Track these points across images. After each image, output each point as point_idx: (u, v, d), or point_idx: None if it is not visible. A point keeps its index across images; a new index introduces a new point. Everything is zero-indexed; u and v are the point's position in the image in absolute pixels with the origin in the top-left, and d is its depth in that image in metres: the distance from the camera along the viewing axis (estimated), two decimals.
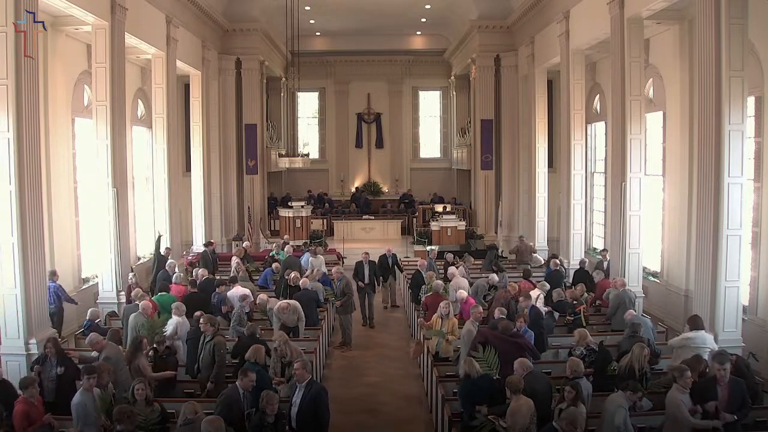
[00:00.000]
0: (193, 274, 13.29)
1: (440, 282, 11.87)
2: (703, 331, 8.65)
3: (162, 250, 14.80)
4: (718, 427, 6.69)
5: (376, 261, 14.87)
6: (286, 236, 19.27)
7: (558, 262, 13.56)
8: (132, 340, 8.43)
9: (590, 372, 7.97)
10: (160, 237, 15.22)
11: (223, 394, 6.98)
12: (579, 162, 16.63)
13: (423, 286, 12.68)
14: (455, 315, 11.18)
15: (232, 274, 13.21)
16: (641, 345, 8.01)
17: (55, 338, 8.68)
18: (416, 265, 14.43)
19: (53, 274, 11.72)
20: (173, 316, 9.72)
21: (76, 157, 13.88)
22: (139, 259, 16.37)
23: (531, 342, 8.87)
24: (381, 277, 14.69)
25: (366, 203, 27.82)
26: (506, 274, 13.59)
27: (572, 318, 10.75)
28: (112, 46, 12.66)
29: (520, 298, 10.28)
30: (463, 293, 11.28)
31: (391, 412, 9.52)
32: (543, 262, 16.78)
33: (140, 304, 9.96)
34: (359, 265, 14.18)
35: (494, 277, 12.56)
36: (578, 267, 13.95)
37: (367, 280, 13.99)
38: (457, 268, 13.32)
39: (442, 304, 10.05)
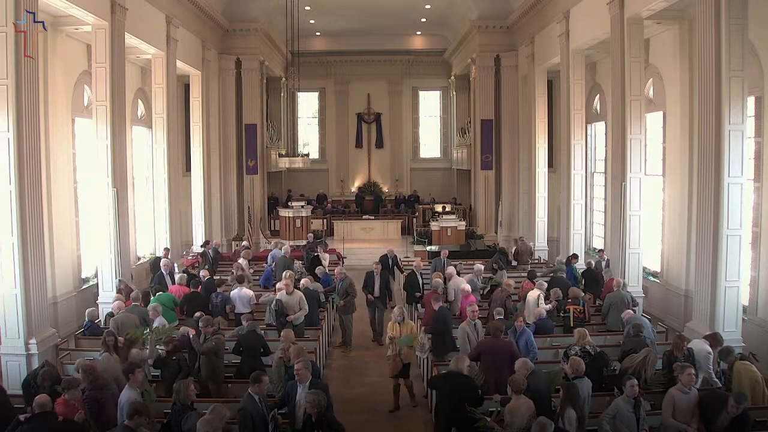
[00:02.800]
0: (199, 274, 13.29)
1: (439, 280, 11.86)
2: (704, 345, 8.44)
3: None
4: None
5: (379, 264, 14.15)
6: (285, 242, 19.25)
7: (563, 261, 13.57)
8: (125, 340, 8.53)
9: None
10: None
11: (240, 408, 6.57)
12: (579, 162, 16.65)
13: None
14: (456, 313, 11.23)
15: (237, 274, 13.14)
16: (654, 354, 7.98)
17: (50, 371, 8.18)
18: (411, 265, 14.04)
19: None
20: (150, 317, 9.72)
21: (76, 157, 13.87)
22: (139, 259, 16.36)
23: (530, 339, 8.91)
24: (390, 291, 13.43)
25: (378, 200, 27.98)
26: (505, 273, 13.59)
27: (562, 316, 10.78)
28: (112, 46, 12.67)
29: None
30: (467, 287, 11.28)
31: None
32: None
33: (113, 304, 10.07)
34: (369, 277, 12.86)
35: (479, 266, 12.57)
36: (585, 267, 13.96)
37: (377, 293, 12.75)
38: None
39: (395, 311, 9.61)
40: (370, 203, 28.22)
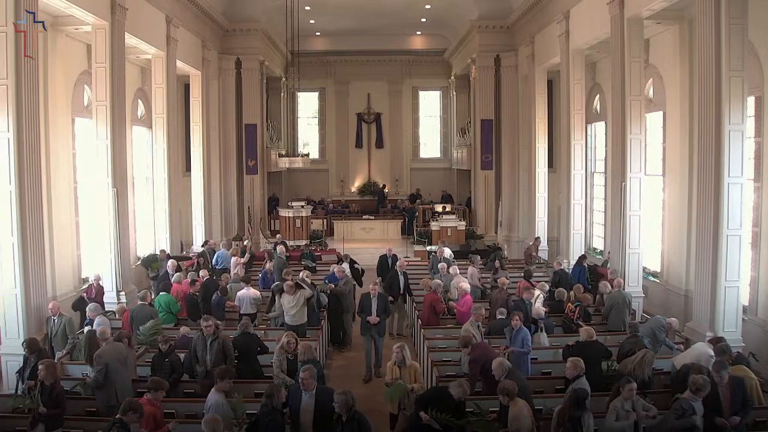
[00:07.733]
0: (191, 275, 13.28)
1: (439, 281, 11.86)
2: (707, 349, 8.33)
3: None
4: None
5: (378, 265, 13.99)
6: (278, 235, 19.25)
7: (561, 262, 13.57)
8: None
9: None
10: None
11: None
12: (579, 162, 16.65)
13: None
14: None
15: (241, 275, 13.14)
16: (651, 354, 7.95)
17: (34, 339, 8.46)
18: (413, 265, 14.03)
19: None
20: (89, 317, 9.73)
21: (76, 157, 13.87)
22: (138, 259, 16.34)
23: (527, 337, 8.87)
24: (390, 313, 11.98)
25: (416, 197, 27.69)
26: (507, 273, 13.59)
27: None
28: (112, 46, 12.67)
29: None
30: (465, 286, 11.29)
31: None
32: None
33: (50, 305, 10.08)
34: (365, 299, 11.05)
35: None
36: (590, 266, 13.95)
37: (375, 319, 10.84)
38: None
39: (395, 349, 8.06)
40: (413, 197, 27.72)
